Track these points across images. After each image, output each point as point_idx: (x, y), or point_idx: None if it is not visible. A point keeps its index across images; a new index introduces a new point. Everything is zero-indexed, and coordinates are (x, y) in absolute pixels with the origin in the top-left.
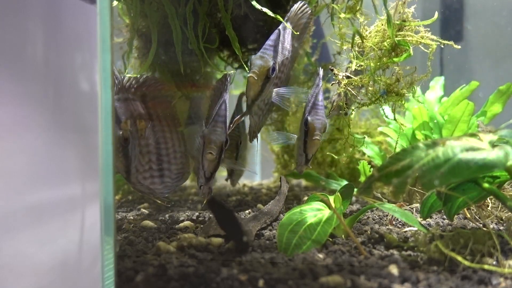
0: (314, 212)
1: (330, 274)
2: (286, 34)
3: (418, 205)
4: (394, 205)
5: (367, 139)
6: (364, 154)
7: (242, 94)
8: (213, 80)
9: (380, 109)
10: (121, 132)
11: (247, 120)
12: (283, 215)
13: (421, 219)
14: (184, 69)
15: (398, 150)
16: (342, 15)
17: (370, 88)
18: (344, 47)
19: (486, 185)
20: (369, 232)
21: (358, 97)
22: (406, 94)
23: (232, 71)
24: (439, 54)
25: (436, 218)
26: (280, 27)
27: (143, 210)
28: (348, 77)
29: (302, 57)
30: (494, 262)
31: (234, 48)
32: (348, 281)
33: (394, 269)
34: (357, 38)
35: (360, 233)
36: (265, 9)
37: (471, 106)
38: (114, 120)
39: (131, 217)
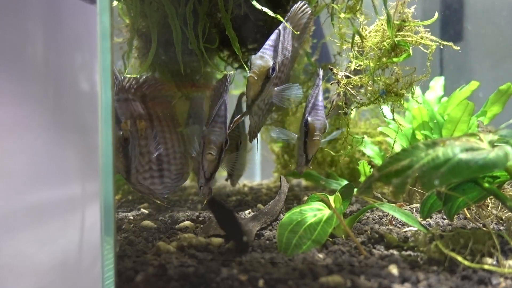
0: (314, 212)
1: (330, 274)
2: (286, 34)
3: (418, 205)
4: (394, 205)
5: (367, 139)
6: (364, 154)
7: (242, 94)
8: (213, 80)
9: (380, 109)
10: (121, 132)
11: (247, 120)
12: (283, 215)
13: (421, 219)
14: (184, 69)
15: (396, 150)
16: (342, 15)
17: (369, 88)
18: (344, 47)
19: (486, 185)
20: (369, 232)
21: (358, 97)
22: (405, 94)
23: (232, 71)
24: (439, 54)
25: (436, 218)
26: (280, 27)
27: (143, 210)
28: (347, 76)
29: (302, 57)
30: (494, 262)
31: (234, 48)
32: (348, 281)
33: (394, 269)
34: (357, 38)
35: (360, 233)
36: (265, 9)
37: (471, 106)
38: (114, 120)
39: (131, 217)
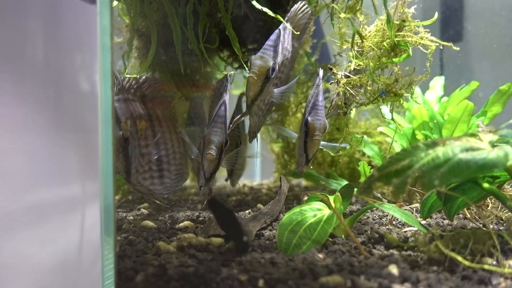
0: (314, 212)
1: (330, 274)
2: (286, 34)
3: (418, 205)
4: (394, 205)
5: (367, 139)
6: (364, 154)
7: (242, 94)
8: (213, 80)
9: (379, 109)
10: (121, 133)
11: (247, 120)
12: (283, 215)
13: (421, 219)
14: (184, 69)
15: (394, 149)
16: (342, 15)
17: (369, 88)
18: (344, 47)
19: (486, 185)
20: (369, 232)
21: (357, 97)
22: (404, 94)
23: (232, 71)
24: (439, 54)
25: (436, 218)
26: (280, 27)
27: (143, 210)
28: (347, 76)
29: (302, 57)
30: (494, 262)
31: (234, 48)
32: (348, 281)
33: (394, 269)
34: (356, 37)
35: (360, 233)
36: (265, 9)
37: (471, 106)
38: (114, 120)
39: (131, 217)
